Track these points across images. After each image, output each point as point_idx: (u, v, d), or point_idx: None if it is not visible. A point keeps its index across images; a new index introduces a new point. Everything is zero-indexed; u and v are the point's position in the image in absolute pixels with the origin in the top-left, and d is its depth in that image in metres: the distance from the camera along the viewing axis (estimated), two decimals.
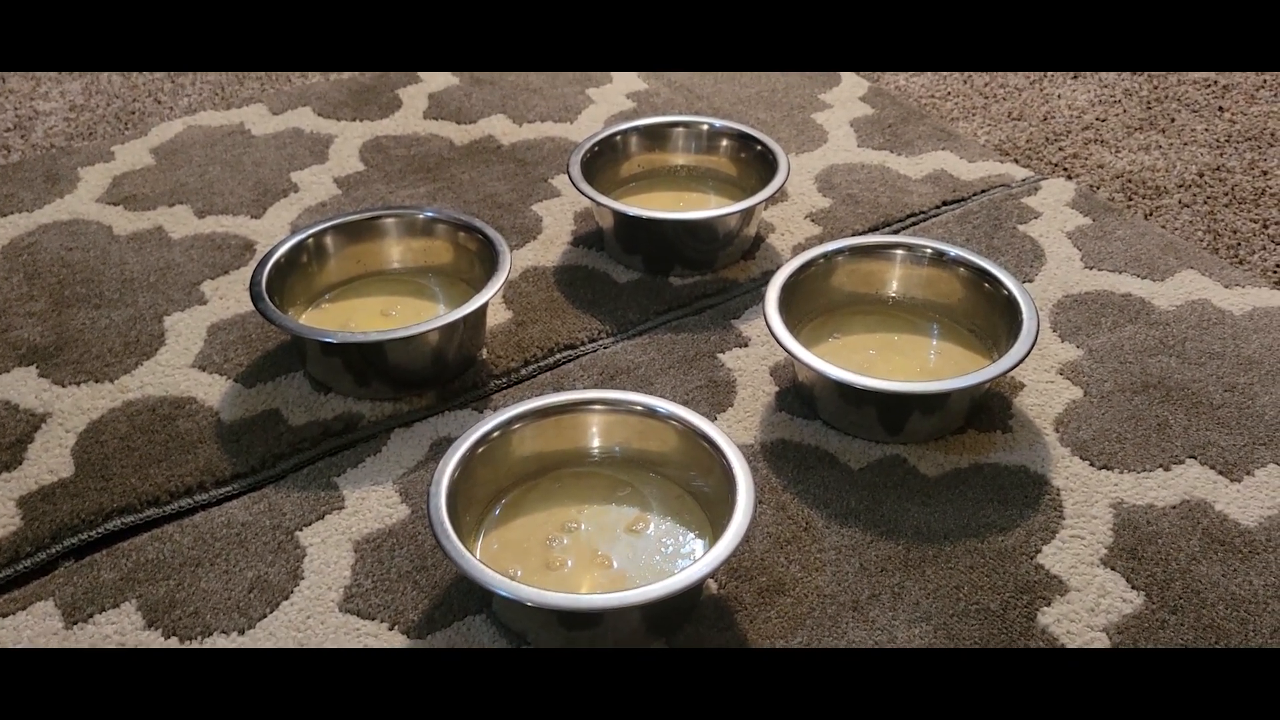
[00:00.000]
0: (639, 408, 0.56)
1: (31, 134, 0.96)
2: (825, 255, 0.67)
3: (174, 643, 0.52)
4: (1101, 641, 0.52)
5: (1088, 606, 0.53)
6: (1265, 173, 0.88)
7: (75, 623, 0.53)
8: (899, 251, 0.68)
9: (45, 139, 0.95)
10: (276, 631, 0.52)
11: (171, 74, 1.05)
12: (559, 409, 0.57)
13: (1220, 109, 0.97)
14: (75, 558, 0.57)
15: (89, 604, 0.54)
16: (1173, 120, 0.95)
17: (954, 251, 0.67)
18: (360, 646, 0.52)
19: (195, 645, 0.52)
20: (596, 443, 0.58)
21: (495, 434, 0.55)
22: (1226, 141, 0.92)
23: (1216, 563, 0.55)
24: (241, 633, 0.52)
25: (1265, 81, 1.01)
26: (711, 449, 0.54)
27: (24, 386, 0.67)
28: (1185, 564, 0.55)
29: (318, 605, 0.54)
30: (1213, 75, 1.02)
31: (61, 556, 0.57)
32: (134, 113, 0.99)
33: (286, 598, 0.54)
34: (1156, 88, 1.00)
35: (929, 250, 0.67)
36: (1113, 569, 0.55)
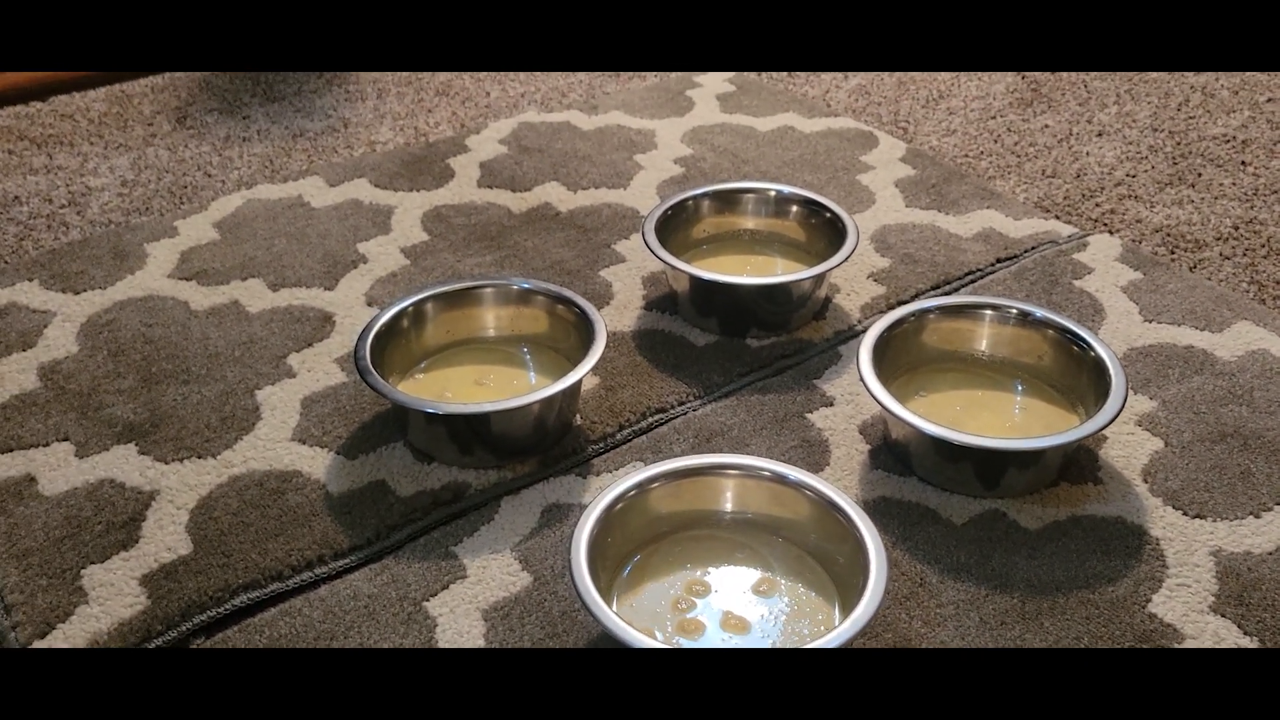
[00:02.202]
0: (768, 474, 0.58)
1: (87, 210, 0.97)
2: (915, 314, 0.70)
3: None
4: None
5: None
6: None
7: None
8: (988, 312, 0.70)
9: (102, 214, 0.96)
10: None
11: (218, 147, 1.07)
12: (689, 472, 0.58)
13: (1243, 163, 1.01)
14: (205, 635, 0.57)
15: None
16: (1199, 175, 0.99)
17: (1040, 312, 0.69)
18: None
19: None
20: (729, 506, 0.59)
21: (631, 493, 0.56)
22: (1254, 194, 0.96)
23: None
24: None
25: None
26: (840, 516, 0.56)
27: (126, 464, 0.67)
28: None
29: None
30: (1232, 131, 1.06)
31: (192, 633, 0.57)
32: (185, 186, 1.01)
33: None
34: (1179, 144, 1.05)
35: (1015, 310, 0.70)
36: (1223, 615, 0.57)
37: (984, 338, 0.71)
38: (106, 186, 1.01)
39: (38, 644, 0.56)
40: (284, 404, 0.72)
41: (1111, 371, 0.65)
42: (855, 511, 0.55)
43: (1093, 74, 1.18)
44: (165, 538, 0.62)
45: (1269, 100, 1.12)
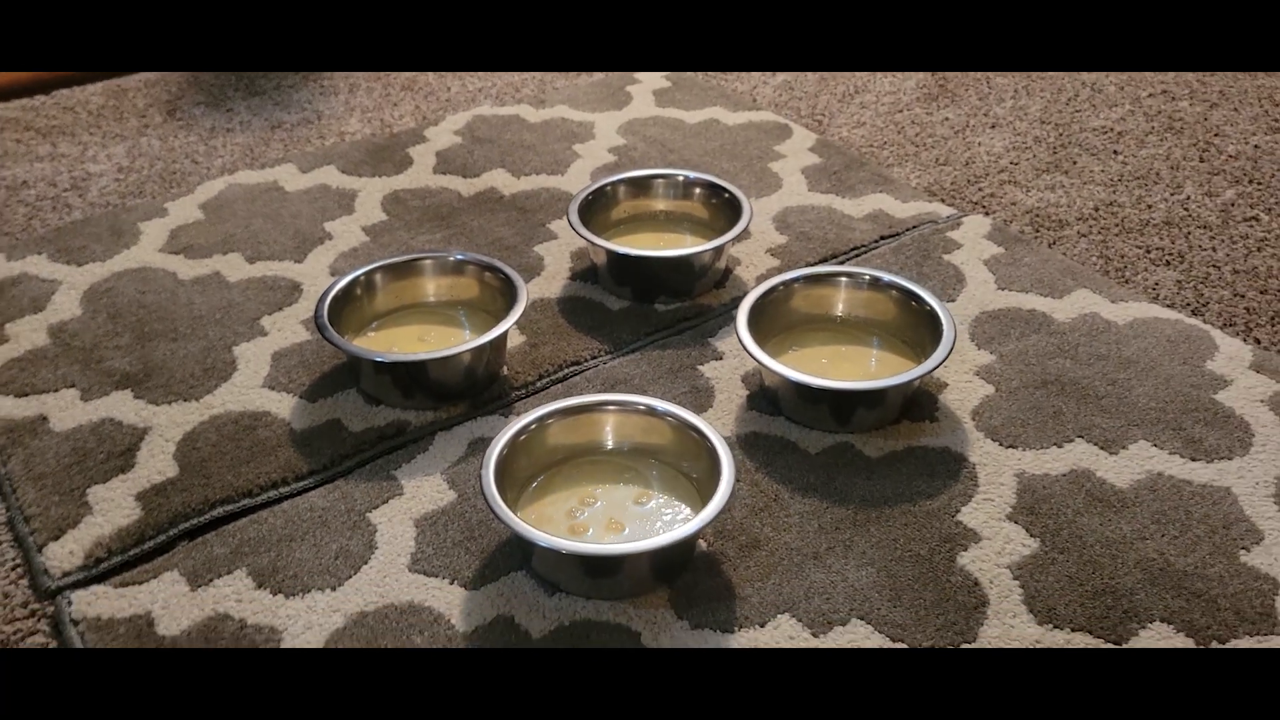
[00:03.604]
0: (642, 407, 0.71)
1: (88, 193, 1.10)
2: (784, 283, 0.83)
3: (280, 598, 0.66)
4: (1005, 577, 0.67)
5: (996, 550, 0.69)
6: (1150, 206, 1.05)
7: (199, 586, 0.66)
8: (843, 279, 0.83)
9: (100, 197, 1.09)
10: (362, 588, 0.66)
11: (204, 137, 1.19)
12: (579, 409, 0.71)
13: (1115, 152, 1.14)
14: (189, 538, 0.70)
15: (208, 572, 0.67)
16: (1074, 163, 1.12)
17: (887, 277, 0.82)
18: (427, 599, 0.66)
19: (298, 599, 0.65)
20: (610, 437, 0.72)
21: (532, 427, 0.69)
22: (1119, 180, 1.09)
23: (1095, 515, 0.71)
24: (334, 590, 0.66)
25: (1154, 128, 1.18)
26: (700, 438, 0.69)
27: (124, 406, 0.80)
28: (1071, 517, 0.71)
29: (391, 568, 0.68)
30: (1112, 124, 1.19)
31: (179, 538, 0.70)
32: (175, 172, 1.13)
33: (366, 563, 0.68)
34: (1062, 135, 1.17)
35: (867, 277, 0.83)
36: (1015, 523, 0.70)
37: (843, 301, 0.84)
38: (105, 172, 1.13)
39: (51, 545, 0.69)
40: (257, 358, 0.85)
41: (944, 324, 0.78)
42: (711, 431, 0.69)
43: (996, 71, 1.31)
44: (156, 463, 0.75)
45: (1149, 95, 1.25)
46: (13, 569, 0.69)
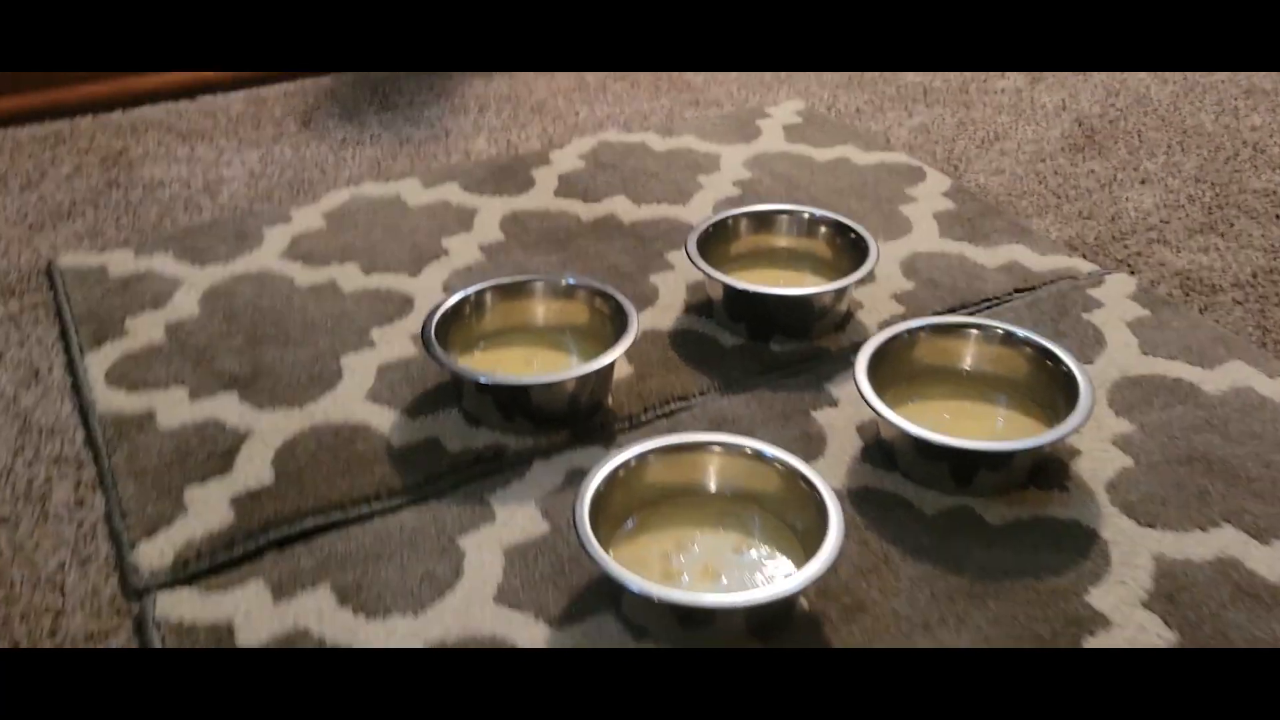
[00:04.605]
0: (749, 450, 0.67)
1: (219, 196, 1.12)
2: (909, 330, 0.78)
3: (361, 618, 0.64)
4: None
5: (1127, 639, 0.62)
6: None
7: (282, 598, 0.65)
8: (974, 331, 0.78)
9: (230, 201, 1.11)
10: (444, 616, 0.64)
11: (334, 148, 1.21)
12: (682, 448, 0.68)
13: (1277, 216, 1.06)
14: (278, 548, 0.69)
15: (293, 584, 0.66)
16: (1232, 225, 1.05)
17: (1021, 332, 0.77)
18: (510, 634, 0.63)
19: (379, 621, 0.63)
20: (713, 479, 0.69)
21: (631, 463, 0.66)
22: None
23: (1243, 611, 0.64)
24: (415, 615, 0.64)
25: None
26: (809, 488, 0.65)
27: (229, 408, 0.80)
28: (1215, 610, 0.64)
29: (476, 597, 0.65)
30: (1275, 186, 1.11)
31: (268, 546, 0.69)
32: (304, 180, 1.14)
33: (450, 589, 0.66)
34: (1219, 195, 1.10)
35: (1000, 330, 0.78)
36: (1151, 610, 0.64)
37: (971, 354, 0.79)
38: (237, 177, 1.15)
39: (143, 544, 0.69)
40: (363, 369, 0.84)
41: (1081, 387, 0.72)
42: (820, 482, 0.64)
43: (1147, 124, 1.24)
44: (254, 469, 0.75)
45: None
46: (105, 563, 0.69)
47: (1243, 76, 1.35)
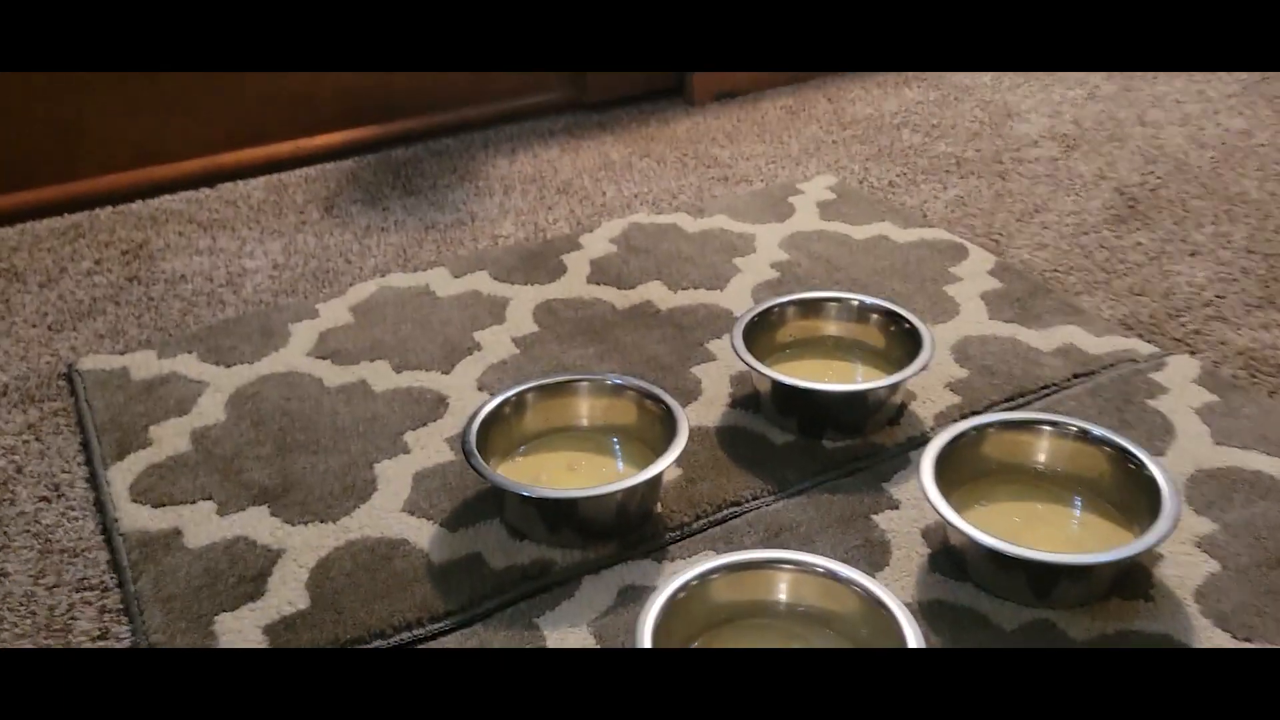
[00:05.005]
0: (820, 570, 0.63)
1: (242, 289, 1.09)
2: (976, 427, 0.74)
3: None
4: None
5: None
6: None
7: None
8: (1046, 427, 0.74)
9: (254, 294, 1.08)
10: None
11: (358, 236, 1.18)
12: (748, 565, 0.64)
13: None
14: None
15: None
16: None
17: (1098, 430, 0.73)
18: None
19: None
20: (784, 597, 0.64)
21: (694, 583, 0.62)
22: None
23: None
24: None
25: None
26: (885, 612, 0.61)
27: (260, 524, 0.76)
28: None
29: None
30: None
31: None
32: (328, 271, 1.12)
33: None
34: (1273, 266, 1.06)
35: (1074, 428, 0.74)
36: None
37: (1044, 452, 0.75)
38: (260, 269, 1.13)
39: None
40: (398, 477, 0.80)
41: (1165, 491, 0.68)
42: (899, 609, 0.60)
43: (1189, 192, 1.21)
44: (287, 592, 0.70)
45: None
46: None
47: None
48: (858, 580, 0.62)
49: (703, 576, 0.63)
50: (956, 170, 1.29)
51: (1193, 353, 0.94)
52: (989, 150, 1.33)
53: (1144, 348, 0.93)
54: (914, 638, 0.59)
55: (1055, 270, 1.08)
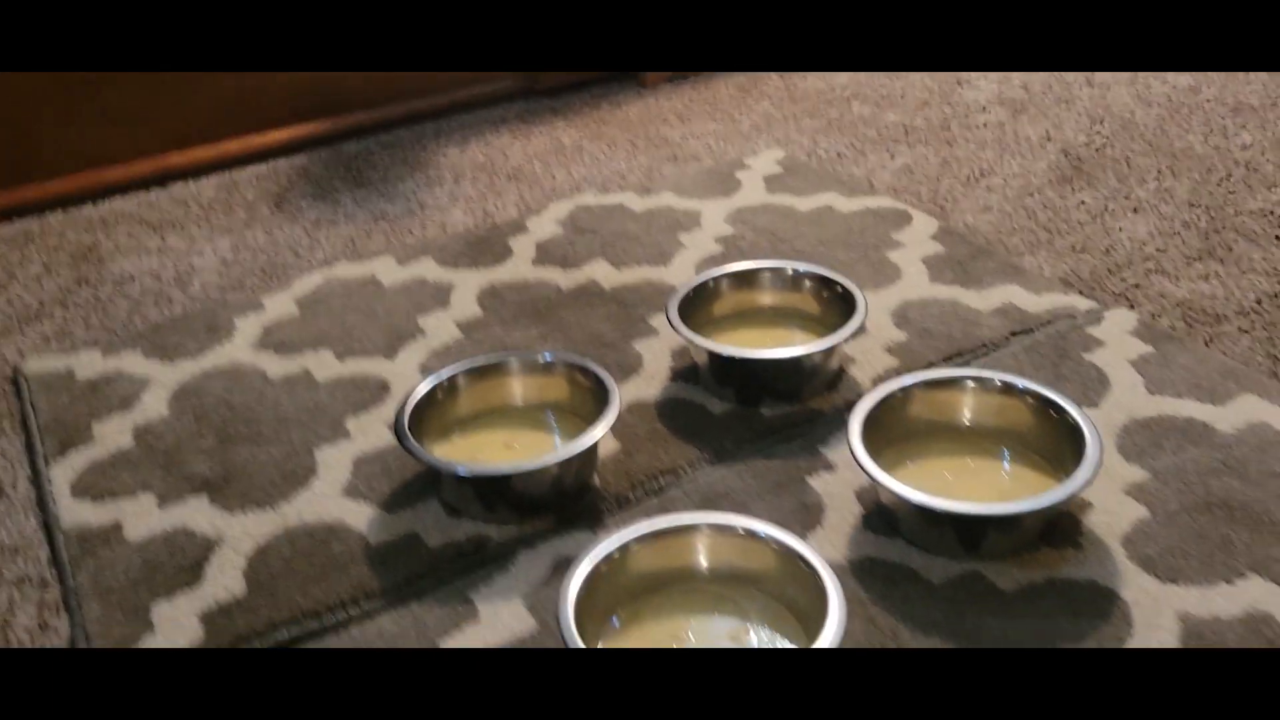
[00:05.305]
0: (740, 530, 0.63)
1: (190, 286, 1.09)
2: (902, 389, 0.74)
3: None
4: None
5: None
6: None
7: None
8: (970, 383, 0.75)
9: (202, 291, 1.08)
10: None
11: (308, 229, 1.18)
12: (670, 532, 0.64)
13: (1277, 237, 1.03)
14: None
15: None
16: (1230, 249, 1.01)
17: (1021, 383, 0.74)
18: None
19: None
20: (707, 561, 0.65)
21: (614, 555, 0.63)
22: None
23: None
24: None
25: None
26: (807, 567, 0.61)
27: (199, 514, 0.77)
28: None
29: None
30: (1272, 205, 1.08)
31: None
32: (276, 265, 1.12)
33: None
34: (1214, 219, 1.07)
35: (998, 381, 0.74)
36: None
37: (970, 407, 0.75)
38: (208, 266, 1.13)
39: None
40: (338, 463, 0.81)
41: (1088, 438, 0.69)
42: (819, 562, 0.61)
43: (1134, 149, 1.21)
44: (224, 580, 0.71)
45: None
46: None
47: (1229, 95, 1.32)
48: (776, 537, 0.63)
49: (623, 547, 0.63)
50: (905, 139, 1.29)
51: (1131, 306, 0.95)
52: (937, 118, 1.34)
53: (1083, 303, 0.94)
54: (834, 591, 0.59)
55: (999, 232, 1.08)
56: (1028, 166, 1.20)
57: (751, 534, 0.64)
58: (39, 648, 0.56)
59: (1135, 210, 1.10)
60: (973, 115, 1.33)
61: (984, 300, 0.95)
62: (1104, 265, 1.01)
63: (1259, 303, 0.93)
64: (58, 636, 0.69)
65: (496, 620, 0.67)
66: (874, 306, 0.94)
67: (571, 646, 0.57)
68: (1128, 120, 1.29)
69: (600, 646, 0.62)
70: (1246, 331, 0.90)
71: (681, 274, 1.02)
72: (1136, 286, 0.97)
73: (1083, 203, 1.12)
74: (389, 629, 0.67)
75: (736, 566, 0.65)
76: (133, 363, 0.95)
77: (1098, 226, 1.07)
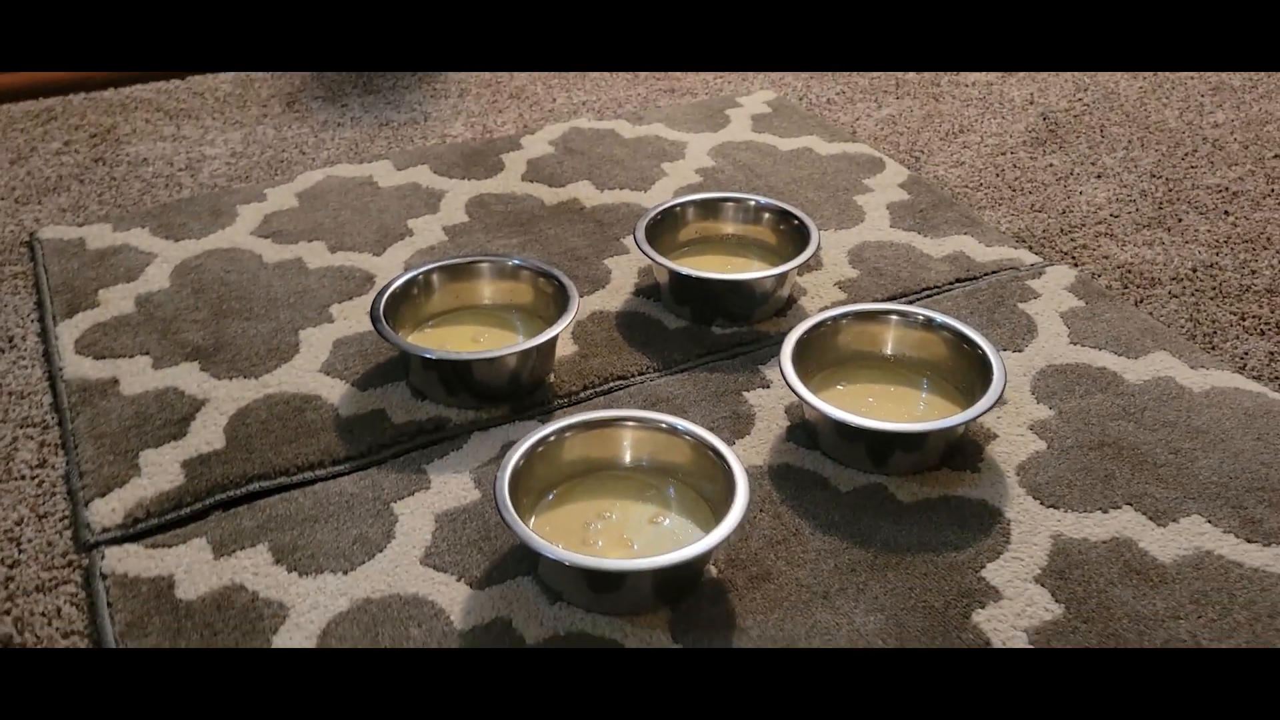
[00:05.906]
0: (664, 425, 0.71)
1: (199, 174, 1.16)
2: (832, 318, 0.81)
3: (294, 576, 0.68)
4: (1020, 640, 0.64)
5: (1015, 612, 0.66)
6: (1254, 272, 0.99)
7: (222, 555, 0.69)
8: (894, 317, 0.81)
9: (210, 179, 1.15)
10: (372, 576, 0.68)
11: (315, 130, 1.25)
12: (601, 423, 0.71)
13: (1226, 213, 1.08)
14: (223, 509, 0.73)
15: (233, 543, 0.70)
16: (1180, 220, 1.07)
17: (940, 318, 0.80)
18: (432, 594, 0.67)
19: (310, 579, 0.68)
20: (630, 452, 0.72)
21: (550, 438, 0.70)
22: (1224, 242, 1.03)
23: (1129, 588, 0.67)
24: (345, 573, 0.68)
25: (1274, 190, 1.12)
26: (719, 460, 0.68)
27: (189, 377, 0.84)
28: (1103, 586, 0.67)
29: (404, 559, 0.69)
30: (1228, 183, 1.13)
31: (213, 507, 0.73)
32: (282, 161, 1.18)
33: (381, 551, 0.70)
34: (1172, 190, 1.12)
35: (920, 317, 0.81)
36: (1042, 585, 0.67)
37: (893, 340, 0.82)
38: (219, 156, 1.19)
39: (97, 502, 0.73)
40: (319, 343, 0.88)
41: (995, 372, 0.76)
42: (731, 457, 0.68)
43: (1111, 119, 1.26)
44: (207, 434, 0.79)
45: (1275, 155, 1.18)
46: (61, 520, 0.73)
47: (1212, 74, 1.36)
48: (695, 433, 0.70)
49: (559, 432, 0.71)
50: (894, 91, 1.34)
51: (1075, 264, 1.01)
52: (929, 74, 1.38)
53: (1029, 258, 1.00)
54: (742, 485, 0.66)
55: (965, 187, 1.14)
56: (1006, 127, 1.25)
57: (673, 429, 0.71)
58: (52, 648, 0.60)
59: (1099, 176, 1.15)
60: (963, 74, 1.38)
61: (937, 248, 1.01)
62: (1057, 225, 1.07)
63: (1194, 270, 0.99)
64: (54, 471, 0.77)
65: (445, 489, 0.74)
66: (833, 245, 1.00)
67: (504, 512, 0.65)
68: (1111, 90, 1.33)
69: (533, 519, 0.70)
70: (1176, 296, 0.96)
71: (659, 200, 1.08)
72: (1084, 247, 1.03)
73: (1050, 165, 1.17)
74: (350, 489, 0.74)
75: (659, 458, 0.72)
76: (140, 238, 1.02)
77: (1060, 189, 1.13)
